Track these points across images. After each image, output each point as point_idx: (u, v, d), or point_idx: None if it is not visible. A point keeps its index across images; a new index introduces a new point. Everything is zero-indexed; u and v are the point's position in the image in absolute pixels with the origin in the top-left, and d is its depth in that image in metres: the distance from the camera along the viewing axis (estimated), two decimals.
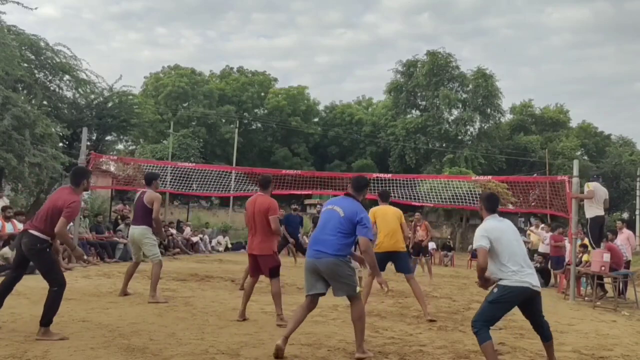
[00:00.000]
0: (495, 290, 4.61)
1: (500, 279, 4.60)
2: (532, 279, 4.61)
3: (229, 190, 15.89)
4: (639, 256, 21.21)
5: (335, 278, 4.96)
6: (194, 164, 17.45)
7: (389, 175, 14.35)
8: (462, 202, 13.75)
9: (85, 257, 9.84)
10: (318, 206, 17.68)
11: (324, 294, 5.15)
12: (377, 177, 14.42)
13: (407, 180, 13.72)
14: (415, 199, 13.67)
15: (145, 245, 7.86)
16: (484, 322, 4.54)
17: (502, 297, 4.55)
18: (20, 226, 11.22)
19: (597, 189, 10.34)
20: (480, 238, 4.64)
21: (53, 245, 5.41)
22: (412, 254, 13.34)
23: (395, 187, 13.20)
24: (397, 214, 7.57)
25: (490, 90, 39.71)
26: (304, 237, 16.09)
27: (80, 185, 5.38)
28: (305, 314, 5.10)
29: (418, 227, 14.07)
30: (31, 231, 5.17)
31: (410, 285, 7.45)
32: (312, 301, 5.13)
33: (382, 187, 12.83)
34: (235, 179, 16.63)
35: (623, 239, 11.50)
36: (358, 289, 5.03)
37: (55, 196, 5.34)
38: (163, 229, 9.63)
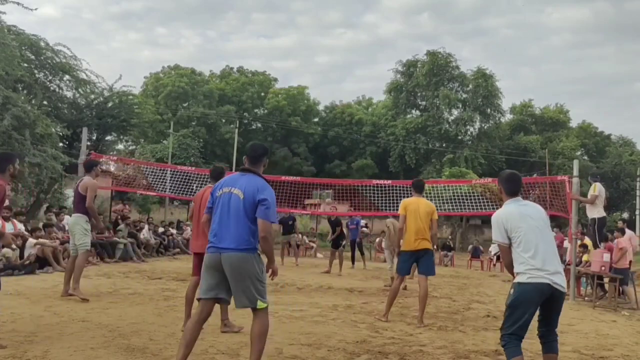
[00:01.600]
0: (512, 291, 3.96)
1: (517, 274, 3.95)
2: (555, 277, 3.90)
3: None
4: (639, 256, 21.22)
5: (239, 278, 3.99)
6: (193, 168, 17.44)
7: (389, 182, 14.35)
8: (462, 203, 13.75)
9: (11, 244, 9.37)
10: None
11: (223, 300, 4.21)
12: (376, 184, 14.41)
13: (407, 187, 13.74)
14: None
15: (76, 234, 7.53)
16: (511, 333, 3.90)
17: (520, 298, 3.88)
18: (20, 226, 11.24)
19: (601, 191, 10.38)
20: (496, 230, 4.00)
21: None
22: None
23: (395, 194, 13.20)
24: (429, 209, 6.96)
25: (490, 90, 39.71)
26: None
27: (5, 171, 5.18)
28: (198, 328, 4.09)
29: None
30: None
31: (419, 285, 6.97)
32: (207, 305, 4.12)
33: (382, 193, 12.84)
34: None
35: (625, 240, 11.50)
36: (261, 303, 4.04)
37: None
38: (100, 219, 9.15)
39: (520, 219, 3.98)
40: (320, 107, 48.46)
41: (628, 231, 12.23)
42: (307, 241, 22.42)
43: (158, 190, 16.11)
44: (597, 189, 10.36)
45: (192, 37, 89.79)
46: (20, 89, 17.87)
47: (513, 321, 3.90)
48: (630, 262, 10.87)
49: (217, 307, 5.21)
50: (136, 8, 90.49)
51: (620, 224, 13.36)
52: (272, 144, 44.17)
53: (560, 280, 3.96)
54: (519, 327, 3.89)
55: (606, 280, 10.34)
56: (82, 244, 7.52)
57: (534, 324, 4.17)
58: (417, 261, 6.96)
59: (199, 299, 4.18)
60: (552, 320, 4.09)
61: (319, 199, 25.09)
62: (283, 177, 15.22)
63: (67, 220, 13.77)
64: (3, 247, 10.10)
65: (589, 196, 10.51)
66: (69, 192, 19.71)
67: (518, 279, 3.96)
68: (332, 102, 50.31)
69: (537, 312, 4.07)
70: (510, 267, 4.07)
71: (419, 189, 7.24)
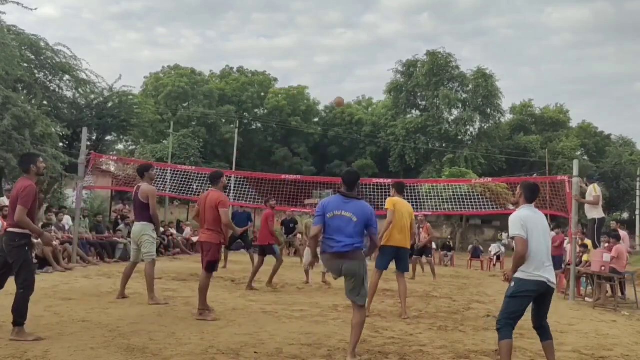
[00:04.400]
0: (512, 284, 4.54)
1: (520, 269, 4.52)
2: (550, 275, 4.55)
3: (229, 195, 15.95)
4: (639, 256, 21.23)
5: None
6: (193, 167, 17.47)
7: (389, 181, 14.36)
8: (461, 203, 13.75)
9: (52, 241, 9.58)
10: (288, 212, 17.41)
11: None
12: (377, 182, 14.44)
13: (407, 186, 13.75)
14: (415, 206, 13.70)
15: (143, 242, 7.57)
16: (507, 320, 4.49)
17: (520, 291, 4.49)
18: None
19: (601, 193, 10.40)
20: (517, 227, 4.52)
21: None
22: (414, 254, 13.34)
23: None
24: (410, 211, 7.55)
25: (490, 90, 39.72)
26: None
27: (30, 171, 5.28)
28: None
29: (421, 229, 14.09)
30: (9, 229, 5.16)
31: (398, 283, 7.42)
32: None
33: (383, 193, 12.87)
34: (235, 183, 16.67)
35: (622, 244, 11.50)
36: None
37: (14, 187, 5.34)
38: (161, 226, 9.37)
39: (533, 224, 4.57)
40: (320, 107, 48.52)
41: (622, 232, 12.23)
42: (297, 240, 22.33)
43: (158, 189, 16.11)
44: (597, 189, 10.36)
45: (192, 37, 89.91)
46: (20, 89, 17.86)
47: (510, 310, 4.51)
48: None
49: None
50: (136, 8, 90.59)
51: (613, 224, 13.34)
52: (272, 144, 44.19)
53: (552, 277, 4.60)
54: (515, 316, 4.51)
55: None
56: (148, 253, 7.57)
57: (530, 324, 4.82)
58: (396, 259, 7.34)
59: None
60: (544, 313, 4.73)
61: (319, 199, 25.05)
62: (283, 176, 15.23)
63: (67, 220, 13.81)
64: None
65: (590, 197, 10.50)
66: (69, 192, 19.74)
67: (519, 275, 4.52)
68: (332, 102, 50.38)
69: (531, 308, 4.69)
70: (524, 257, 4.49)
71: (401, 190, 7.74)
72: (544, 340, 4.73)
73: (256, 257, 10.28)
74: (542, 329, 4.74)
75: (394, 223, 7.20)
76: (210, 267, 6.63)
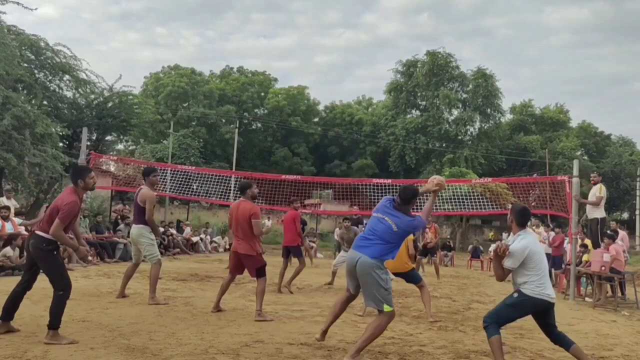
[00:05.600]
0: (516, 295, 4.66)
1: (524, 284, 4.62)
2: (550, 291, 4.69)
3: (229, 195, 15.95)
4: (639, 256, 21.22)
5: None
6: (193, 167, 17.46)
7: (389, 181, 14.35)
8: (461, 203, 13.75)
9: (89, 254, 9.68)
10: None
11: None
12: (377, 182, 14.44)
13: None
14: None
15: (142, 245, 7.62)
16: (495, 321, 4.64)
17: (520, 304, 4.63)
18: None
19: (605, 194, 10.42)
20: (518, 260, 4.60)
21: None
22: (419, 254, 13.35)
23: (395, 193, 13.23)
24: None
25: (490, 90, 39.72)
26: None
27: (78, 184, 5.24)
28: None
29: (427, 229, 14.10)
30: (38, 232, 5.15)
31: (421, 292, 7.58)
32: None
33: (382, 192, 12.88)
34: (235, 183, 16.66)
35: (618, 244, 11.50)
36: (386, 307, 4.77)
37: (59, 196, 5.32)
38: (159, 228, 9.38)
39: (535, 246, 4.72)
40: (320, 107, 48.50)
41: (621, 232, 12.22)
42: (307, 241, 22.39)
43: (158, 189, 16.12)
44: (602, 190, 10.34)
45: (191, 37, 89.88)
46: (20, 89, 17.87)
47: (504, 316, 4.70)
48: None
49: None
50: (136, 8, 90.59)
51: (613, 224, 13.32)
52: (272, 144, 44.17)
53: (552, 292, 4.73)
54: (503, 322, 4.71)
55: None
56: (150, 255, 7.60)
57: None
58: (404, 279, 7.51)
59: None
60: (551, 325, 4.79)
61: (319, 199, 25.06)
62: (283, 176, 15.22)
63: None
64: (3, 247, 10.12)
65: (593, 197, 10.50)
66: None
67: (524, 289, 4.63)
68: (332, 102, 50.39)
69: (539, 326, 4.84)
70: (500, 278, 4.83)
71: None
72: (568, 347, 4.73)
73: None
74: (559, 339, 4.76)
75: None
76: (261, 272, 6.71)
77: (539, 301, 4.60)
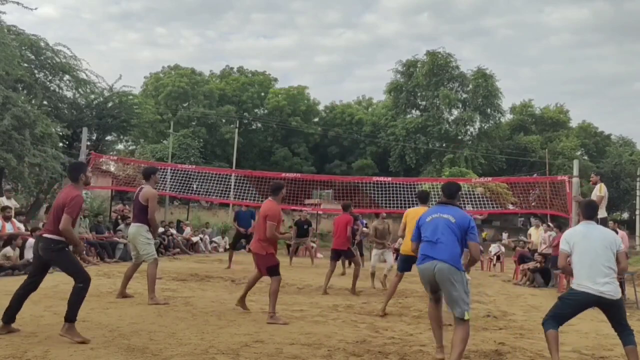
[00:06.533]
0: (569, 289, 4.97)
1: (574, 279, 4.89)
2: (602, 287, 4.68)
3: (229, 195, 15.95)
4: (639, 256, 21.20)
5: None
6: (193, 166, 17.47)
7: (389, 179, 14.36)
8: (461, 202, 13.75)
9: (84, 252, 9.67)
10: (304, 212, 17.50)
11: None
12: (377, 180, 14.45)
13: (407, 184, 13.75)
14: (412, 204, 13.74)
15: (139, 244, 7.59)
16: (551, 316, 4.86)
17: (568, 298, 4.88)
18: (20, 225, 11.24)
19: (605, 192, 10.40)
20: (563, 242, 5.00)
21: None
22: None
23: (395, 191, 13.23)
24: None
25: (490, 90, 39.75)
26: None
27: (79, 180, 5.31)
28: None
29: None
30: (45, 235, 5.18)
31: (393, 280, 7.68)
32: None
33: (383, 191, 12.91)
34: (235, 182, 16.67)
35: None
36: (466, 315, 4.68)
37: (59, 196, 5.35)
38: (159, 228, 9.38)
39: (582, 237, 4.88)
40: (320, 107, 48.52)
41: (620, 232, 12.21)
42: (309, 241, 22.39)
43: (158, 189, 16.13)
44: (603, 189, 10.34)
45: (191, 37, 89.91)
46: (20, 89, 17.88)
47: (555, 310, 4.88)
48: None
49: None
50: (136, 8, 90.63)
51: (611, 224, 13.31)
52: (272, 143, 44.19)
53: (607, 289, 4.69)
54: (557, 316, 4.86)
55: None
56: (147, 254, 7.56)
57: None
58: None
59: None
60: (616, 322, 4.86)
61: (320, 199, 25.05)
62: (283, 174, 15.21)
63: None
64: (3, 247, 10.12)
65: (594, 197, 10.49)
66: None
67: (572, 284, 4.91)
68: (332, 102, 50.41)
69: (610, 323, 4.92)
70: (564, 268, 5.08)
71: (423, 200, 7.75)
72: (624, 345, 4.83)
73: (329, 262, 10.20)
74: (621, 335, 4.86)
75: (407, 233, 7.27)
76: (272, 271, 6.64)
77: (583, 295, 4.79)
